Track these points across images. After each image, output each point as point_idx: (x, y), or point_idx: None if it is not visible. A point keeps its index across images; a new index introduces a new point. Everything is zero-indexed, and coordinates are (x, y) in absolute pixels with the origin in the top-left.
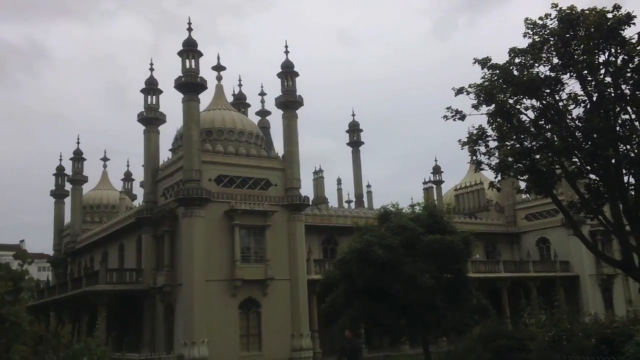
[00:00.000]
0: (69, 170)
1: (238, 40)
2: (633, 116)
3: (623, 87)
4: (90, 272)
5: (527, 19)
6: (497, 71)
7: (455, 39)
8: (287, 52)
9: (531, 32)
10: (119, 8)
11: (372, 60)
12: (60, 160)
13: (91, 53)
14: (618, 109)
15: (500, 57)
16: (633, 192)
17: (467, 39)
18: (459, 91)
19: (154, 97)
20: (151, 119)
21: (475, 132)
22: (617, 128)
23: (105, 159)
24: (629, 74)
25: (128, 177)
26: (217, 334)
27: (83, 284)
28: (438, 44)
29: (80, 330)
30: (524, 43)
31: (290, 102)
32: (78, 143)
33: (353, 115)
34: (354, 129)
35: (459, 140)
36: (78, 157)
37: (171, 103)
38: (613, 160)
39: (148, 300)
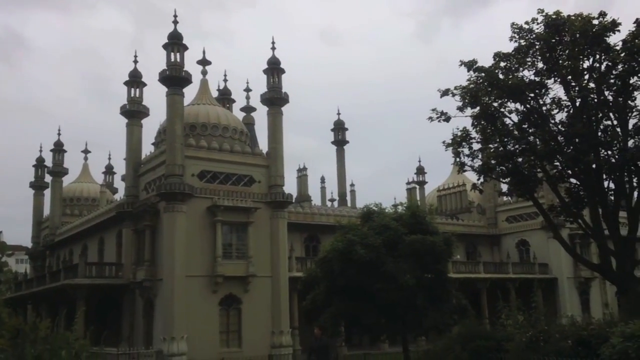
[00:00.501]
0: (49, 162)
1: (222, 35)
2: (615, 122)
3: (606, 93)
4: (69, 265)
5: (513, 23)
6: (483, 74)
7: (438, 41)
8: (273, 48)
9: (517, 37)
10: (100, 0)
11: (356, 60)
12: (41, 151)
13: (72, 44)
14: (600, 114)
15: (483, 60)
16: (612, 197)
17: (451, 41)
18: (445, 93)
19: (138, 89)
20: (134, 112)
21: (459, 134)
22: (599, 134)
23: (86, 152)
24: (612, 81)
25: (109, 170)
26: (196, 329)
27: (62, 277)
28: (422, 46)
29: (59, 324)
30: (507, 47)
31: (275, 99)
32: (59, 134)
33: (338, 114)
34: (339, 128)
35: (443, 142)
36: (58, 149)
37: (154, 97)
38: (594, 165)
39: (127, 295)
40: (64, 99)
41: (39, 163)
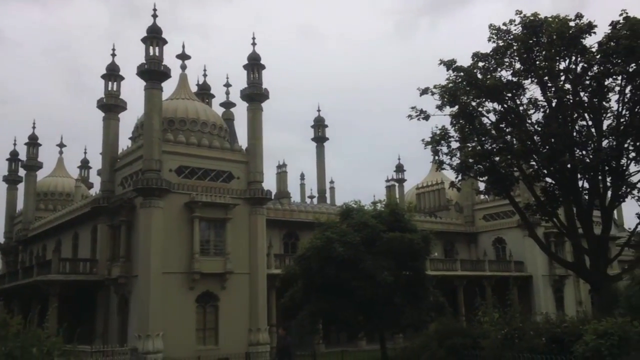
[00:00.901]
0: (23, 156)
1: (199, 30)
2: (590, 123)
3: (581, 94)
4: (43, 261)
5: (491, 24)
6: (462, 73)
7: (416, 39)
8: (254, 44)
9: (495, 37)
10: None
11: (335, 57)
12: (15, 145)
13: (47, 37)
14: (576, 115)
15: (460, 59)
16: (587, 197)
17: (428, 40)
18: (424, 91)
19: (115, 83)
20: (111, 105)
21: (438, 132)
22: (574, 134)
23: (61, 145)
24: (587, 82)
25: (85, 165)
26: (172, 327)
27: (34, 273)
28: (400, 44)
29: (31, 321)
30: (483, 46)
31: (255, 95)
32: (34, 128)
33: (318, 110)
34: (319, 125)
35: (422, 140)
36: (33, 142)
37: (130, 90)
38: (569, 165)
39: (102, 292)
40: (39, 91)
41: (13, 157)
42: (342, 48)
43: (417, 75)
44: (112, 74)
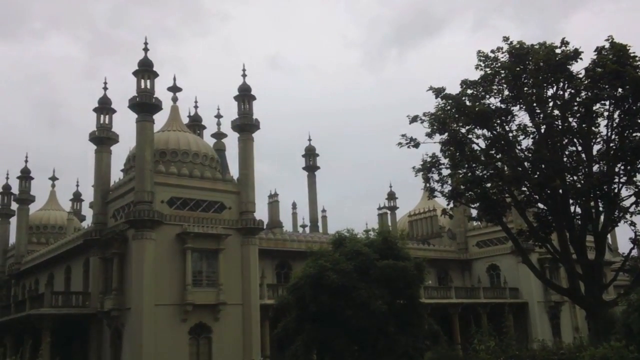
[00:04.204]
0: (15, 189)
1: (176, 63)
2: (580, 148)
3: (570, 119)
4: (35, 294)
5: (479, 51)
6: (450, 101)
7: (385, 70)
8: (244, 75)
9: (483, 65)
10: (50, 28)
11: (308, 89)
12: (7, 178)
13: (23, 71)
14: (565, 140)
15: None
16: (579, 222)
17: (398, 70)
18: (413, 119)
19: (107, 116)
20: (103, 138)
21: (428, 160)
22: (565, 159)
23: (53, 179)
24: (576, 107)
25: (77, 198)
26: (165, 359)
27: (27, 307)
28: (370, 74)
29: (23, 355)
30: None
31: (246, 125)
32: (26, 161)
33: (309, 140)
34: (310, 154)
35: (413, 168)
36: (25, 176)
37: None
38: (560, 191)
39: (95, 325)
40: (18, 125)
41: (5, 190)
42: (313, 78)
43: (391, 104)
44: (104, 107)
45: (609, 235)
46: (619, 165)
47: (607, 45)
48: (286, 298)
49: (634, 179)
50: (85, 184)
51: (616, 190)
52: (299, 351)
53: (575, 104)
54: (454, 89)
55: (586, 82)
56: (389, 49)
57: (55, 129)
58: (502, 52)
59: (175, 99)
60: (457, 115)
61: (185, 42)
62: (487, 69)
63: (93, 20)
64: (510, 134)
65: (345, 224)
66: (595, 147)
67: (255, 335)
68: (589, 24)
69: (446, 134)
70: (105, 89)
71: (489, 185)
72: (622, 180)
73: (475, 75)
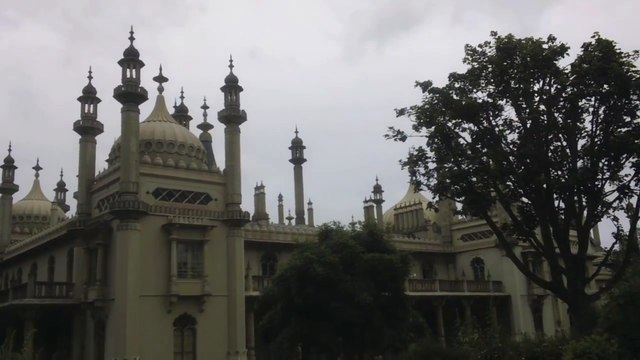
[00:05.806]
0: None
1: (155, 53)
2: (564, 143)
3: (556, 115)
4: (18, 285)
5: (467, 45)
6: (437, 95)
7: (365, 63)
8: (231, 66)
9: (470, 59)
10: (24, 17)
11: (289, 82)
12: None
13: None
14: (550, 136)
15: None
16: (563, 216)
17: (378, 63)
18: (401, 112)
19: (92, 106)
20: (88, 128)
21: (415, 153)
22: (549, 154)
23: (37, 168)
24: (561, 103)
25: (61, 188)
26: (149, 351)
27: (10, 297)
28: (350, 68)
29: (7, 346)
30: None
31: (233, 117)
32: (9, 150)
33: (296, 132)
34: (297, 146)
35: (400, 161)
36: (9, 165)
37: (105, 113)
38: (544, 185)
39: (78, 316)
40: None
41: None
42: (293, 71)
43: (375, 97)
44: (89, 96)
45: (591, 230)
46: (603, 160)
47: (593, 41)
48: (272, 290)
49: (618, 174)
50: (69, 174)
51: (600, 186)
52: (284, 343)
53: (561, 99)
54: (437, 82)
55: (572, 77)
56: (369, 43)
57: (30, 118)
58: (490, 47)
59: (161, 89)
60: (444, 109)
61: (162, 32)
62: (475, 63)
63: (68, 9)
64: (497, 129)
65: (331, 217)
66: (580, 143)
67: (240, 327)
68: (567, 17)
69: (433, 127)
70: (90, 77)
71: (474, 179)
72: (605, 175)
73: (458, 68)
